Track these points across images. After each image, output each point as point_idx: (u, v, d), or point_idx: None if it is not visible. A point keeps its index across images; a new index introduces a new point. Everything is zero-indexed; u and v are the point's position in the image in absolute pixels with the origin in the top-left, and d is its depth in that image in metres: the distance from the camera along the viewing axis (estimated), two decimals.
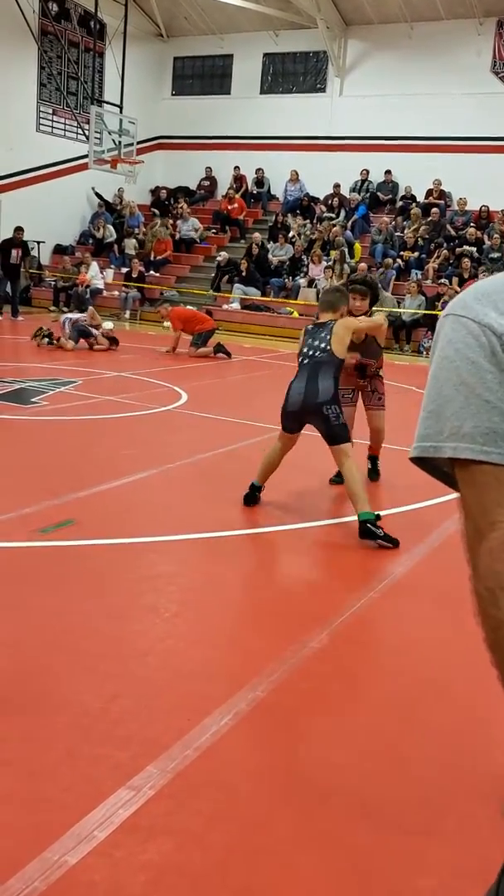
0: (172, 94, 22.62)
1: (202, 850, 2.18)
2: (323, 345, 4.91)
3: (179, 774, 2.46)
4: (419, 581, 4.18)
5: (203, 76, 22.22)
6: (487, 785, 2.58)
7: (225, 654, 3.28)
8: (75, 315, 12.74)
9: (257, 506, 5.14)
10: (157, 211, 21.17)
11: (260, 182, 21.12)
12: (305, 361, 4.94)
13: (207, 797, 2.39)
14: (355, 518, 4.99)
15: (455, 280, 15.90)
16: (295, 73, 21.07)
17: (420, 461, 1.12)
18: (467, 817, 2.39)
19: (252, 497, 5.09)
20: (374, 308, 6.00)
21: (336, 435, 4.81)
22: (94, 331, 12.30)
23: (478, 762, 2.69)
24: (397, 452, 7.06)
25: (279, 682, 3.04)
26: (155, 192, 22.12)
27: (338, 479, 6.13)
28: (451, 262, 16.89)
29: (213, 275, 18.33)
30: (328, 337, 4.91)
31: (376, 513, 4.69)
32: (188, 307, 13.33)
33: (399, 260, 17.44)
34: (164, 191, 21.93)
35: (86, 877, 2.04)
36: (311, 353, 4.94)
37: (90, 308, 13.30)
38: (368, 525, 4.58)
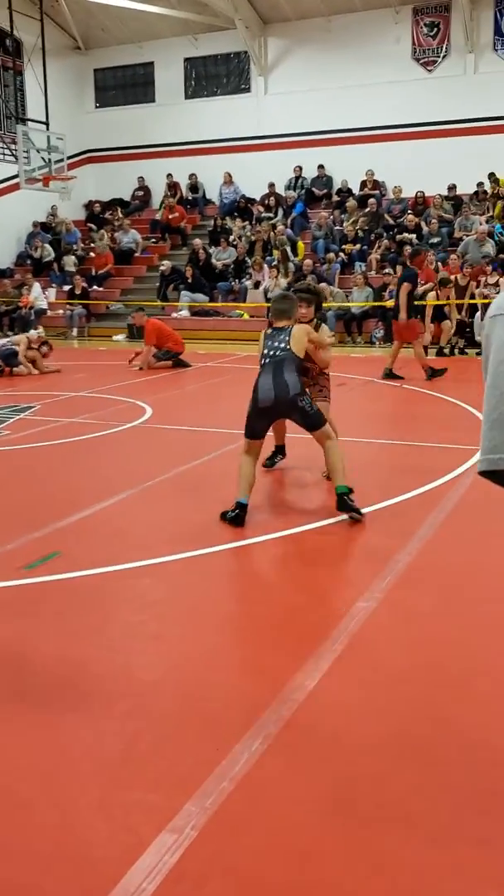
0: (97, 107, 22.41)
1: (259, 891, 2.08)
2: (283, 345, 5.11)
3: (220, 810, 2.36)
4: (420, 576, 4.13)
5: (126, 86, 22.04)
6: None
7: (240, 675, 3.19)
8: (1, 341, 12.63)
9: None
10: (94, 226, 20.95)
11: (194, 187, 21.03)
12: (267, 361, 5.09)
13: (253, 831, 2.29)
14: (341, 517, 4.94)
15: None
16: (218, 76, 21.01)
17: (490, 474, 1.06)
18: None
19: (240, 518, 4.91)
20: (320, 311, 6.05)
21: (315, 423, 5.08)
22: (16, 348, 12.11)
23: None
24: (367, 445, 7.04)
25: (301, 698, 2.95)
26: (89, 206, 21.89)
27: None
28: (392, 250, 16.98)
29: (157, 284, 18.18)
30: (287, 338, 5.14)
31: (349, 486, 4.96)
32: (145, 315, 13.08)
33: (342, 254, 17.49)
34: (97, 204, 21.72)
35: None
36: (271, 353, 5.11)
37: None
38: (345, 497, 4.91)
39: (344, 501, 4.90)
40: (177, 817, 2.33)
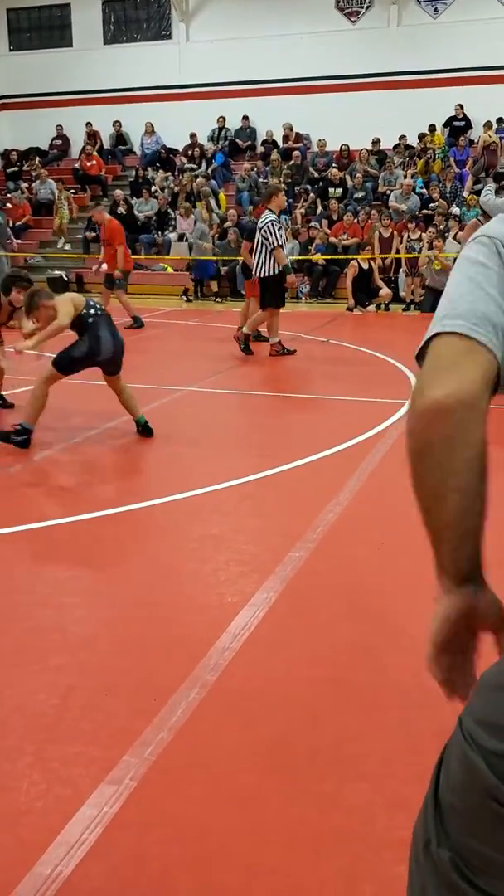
0: (10, 50, 21.44)
1: (202, 836, 2.09)
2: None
3: (159, 759, 2.36)
4: (351, 526, 4.17)
5: (41, 28, 21.13)
6: None
7: (173, 627, 3.17)
8: None
9: (162, 473, 4.99)
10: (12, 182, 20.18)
11: (119, 137, 20.43)
12: (101, 314, 5.65)
13: (194, 779, 2.30)
14: (268, 472, 4.95)
15: (325, 223, 15.92)
16: (138, 21, 20.34)
17: (420, 358, 1.15)
18: None
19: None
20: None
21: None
22: None
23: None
24: (296, 400, 7.03)
25: (237, 646, 2.96)
26: (4, 155, 21.06)
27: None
28: (317, 204, 16.89)
29: (80, 236, 17.69)
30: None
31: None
32: None
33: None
34: (13, 153, 20.90)
35: (86, 885, 1.92)
36: (99, 308, 5.68)
37: None
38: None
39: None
40: (115, 769, 2.32)
